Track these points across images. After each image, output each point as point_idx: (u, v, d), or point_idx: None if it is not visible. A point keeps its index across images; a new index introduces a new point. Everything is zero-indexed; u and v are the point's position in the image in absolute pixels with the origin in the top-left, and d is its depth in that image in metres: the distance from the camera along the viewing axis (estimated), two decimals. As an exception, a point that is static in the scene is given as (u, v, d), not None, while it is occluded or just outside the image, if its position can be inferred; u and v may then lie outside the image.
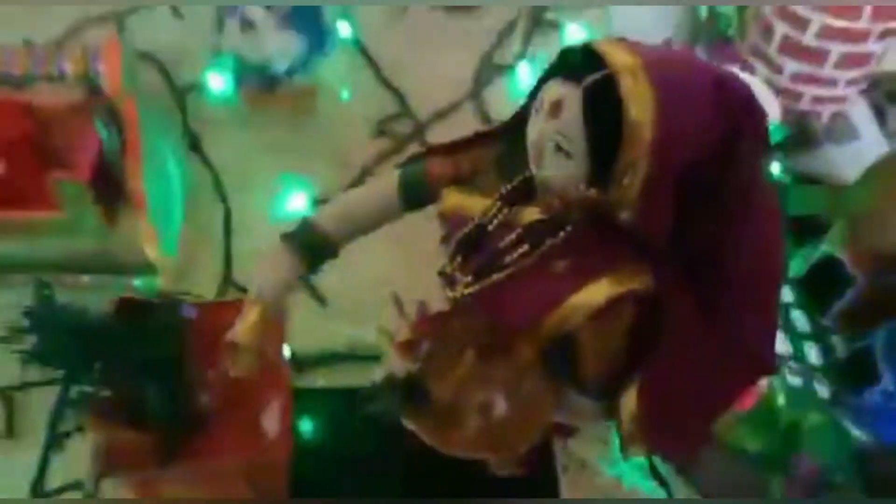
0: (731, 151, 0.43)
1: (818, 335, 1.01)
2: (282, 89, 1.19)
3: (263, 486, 0.64)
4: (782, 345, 0.99)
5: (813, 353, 0.99)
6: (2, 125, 0.92)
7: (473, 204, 0.53)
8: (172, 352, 0.57)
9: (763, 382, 0.87)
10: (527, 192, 0.51)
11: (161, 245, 0.93)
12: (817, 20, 1.11)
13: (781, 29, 1.14)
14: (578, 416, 0.55)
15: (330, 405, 0.83)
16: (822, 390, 0.96)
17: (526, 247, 0.50)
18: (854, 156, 1.16)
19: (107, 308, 0.57)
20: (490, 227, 0.52)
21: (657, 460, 0.88)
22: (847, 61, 1.15)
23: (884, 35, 1.12)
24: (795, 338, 1.00)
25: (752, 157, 0.44)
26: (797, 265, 1.06)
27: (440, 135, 1.14)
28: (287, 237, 0.58)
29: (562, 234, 0.49)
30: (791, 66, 1.17)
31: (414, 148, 1.13)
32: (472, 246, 0.52)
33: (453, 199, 0.54)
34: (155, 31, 1.26)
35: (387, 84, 1.24)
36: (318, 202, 1.07)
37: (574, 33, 1.35)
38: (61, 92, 0.87)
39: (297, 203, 1.08)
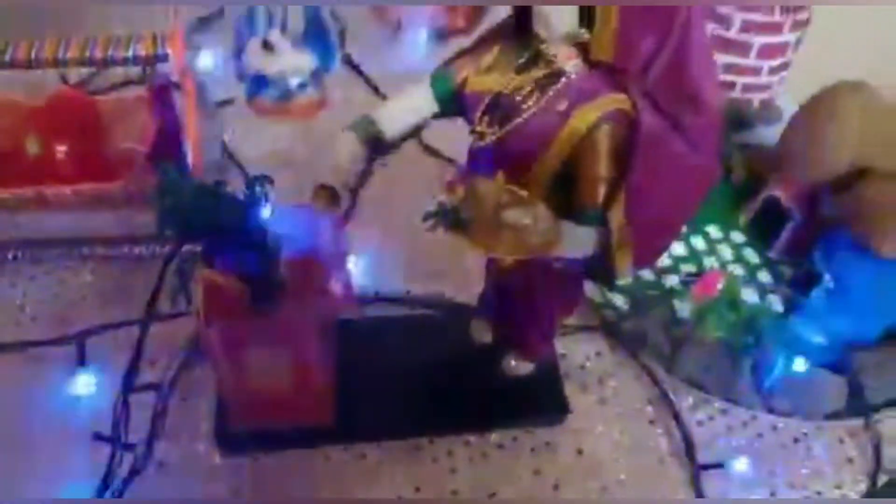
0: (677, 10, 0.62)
1: (768, 264, 1.19)
2: (294, 101, 1.38)
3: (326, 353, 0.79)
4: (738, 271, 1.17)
5: (765, 278, 1.16)
6: (68, 115, 1.09)
7: (491, 83, 0.71)
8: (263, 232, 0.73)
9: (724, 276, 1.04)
10: (535, 61, 0.69)
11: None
12: (739, 17, 1.35)
13: (710, 26, 1.38)
14: (579, 244, 0.71)
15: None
16: (776, 304, 1.13)
17: (537, 96, 0.68)
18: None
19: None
20: (506, 92, 0.70)
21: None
22: (766, 51, 1.39)
23: (795, 26, 1.37)
24: (749, 268, 1.18)
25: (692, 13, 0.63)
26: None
27: (434, 141, 1.33)
28: (351, 126, 0.76)
29: (563, 80, 0.68)
30: (722, 58, 1.41)
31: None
32: (493, 108, 0.70)
33: (475, 84, 0.73)
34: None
35: (384, 96, 1.44)
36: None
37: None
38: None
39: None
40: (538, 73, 0.69)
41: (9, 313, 1.03)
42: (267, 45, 1.34)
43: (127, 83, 1.29)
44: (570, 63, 0.67)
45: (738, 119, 1.40)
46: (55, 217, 1.03)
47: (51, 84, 1.19)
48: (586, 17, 0.63)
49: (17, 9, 1.39)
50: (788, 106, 1.48)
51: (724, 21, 1.36)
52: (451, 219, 0.66)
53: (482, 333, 1.01)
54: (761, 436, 0.98)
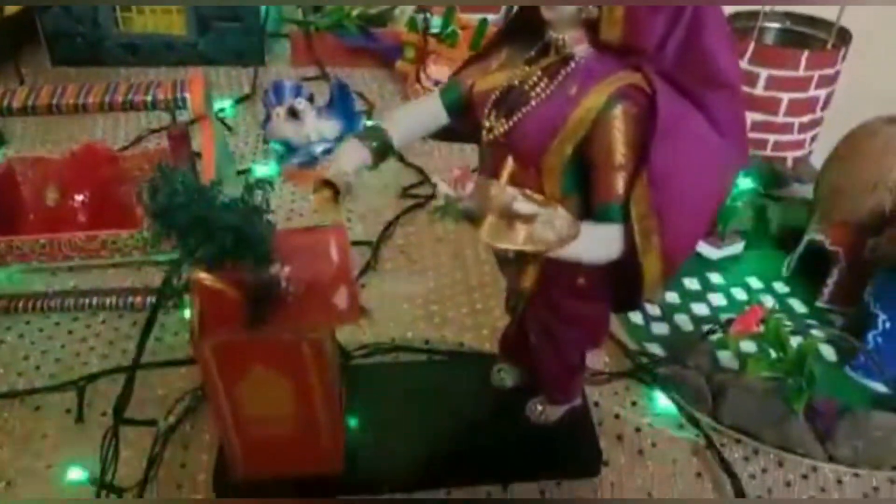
0: None
1: (816, 314, 1.10)
2: (320, 166, 1.38)
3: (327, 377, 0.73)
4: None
5: (813, 331, 1.07)
6: (89, 167, 1.10)
7: (500, 78, 0.69)
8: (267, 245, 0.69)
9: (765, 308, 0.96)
10: (544, 51, 0.66)
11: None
12: (764, 73, 1.34)
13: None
14: (600, 244, 0.65)
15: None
16: (830, 355, 1.04)
17: (545, 82, 0.64)
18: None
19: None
20: (516, 84, 0.67)
21: (686, 405, 0.93)
22: (796, 108, 1.36)
23: (822, 82, 1.35)
24: (796, 319, 1.09)
25: None
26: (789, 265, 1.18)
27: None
28: (359, 135, 0.73)
29: (573, 64, 0.64)
30: (752, 116, 1.38)
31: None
32: (502, 101, 0.67)
33: (482, 84, 0.70)
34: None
35: (406, 162, 1.44)
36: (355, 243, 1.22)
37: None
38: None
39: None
40: (546, 60, 0.66)
41: (14, 364, 0.99)
42: (293, 113, 1.37)
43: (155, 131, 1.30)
44: (580, 47, 0.65)
45: (773, 177, 1.36)
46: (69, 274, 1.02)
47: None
48: None
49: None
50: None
51: (750, 79, 1.35)
52: (459, 213, 0.62)
53: (504, 378, 0.93)
54: (824, 490, 0.86)
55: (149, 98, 0.97)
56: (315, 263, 0.75)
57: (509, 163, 0.63)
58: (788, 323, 1.01)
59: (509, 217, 0.62)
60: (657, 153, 0.60)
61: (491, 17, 1.81)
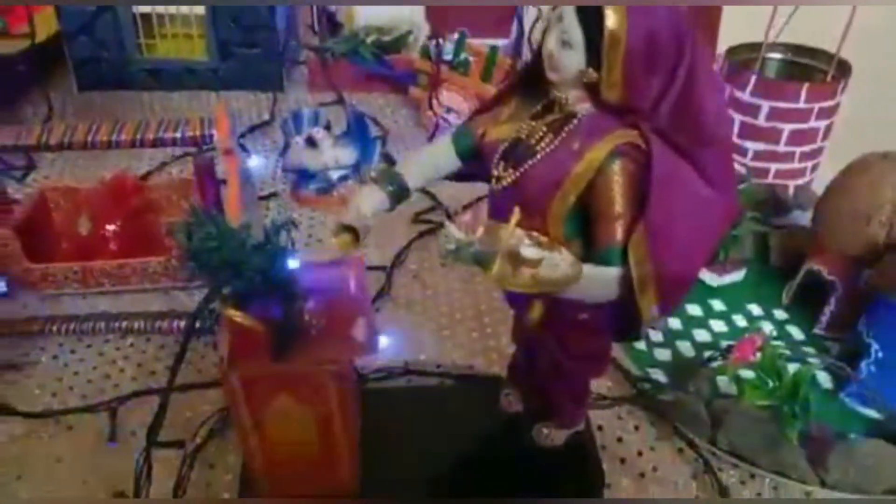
0: (682, 51, 0.65)
1: (813, 341, 1.15)
2: (336, 192, 1.44)
3: (347, 407, 0.78)
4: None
5: (810, 359, 1.11)
6: (119, 197, 1.16)
7: (508, 130, 0.74)
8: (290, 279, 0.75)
9: (763, 337, 1.00)
10: (549, 107, 0.72)
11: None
12: (766, 105, 1.38)
13: (738, 117, 1.41)
14: (601, 285, 0.70)
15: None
16: (825, 382, 1.08)
17: (550, 137, 0.70)
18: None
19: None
20: (523, 137, 0.72)
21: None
22: (797, 138, 1.41)
23: (822, 114, 1.39)
24: (794, 346, 1.14)
25: (697, 52, 0.65)
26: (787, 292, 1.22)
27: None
28: (376, 178, 0.78)
29: (574, 121, 0.70)
30: (754, 146, 1.43)
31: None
32: (509, 153, 0.72)
33: (492, 134, 0.76)
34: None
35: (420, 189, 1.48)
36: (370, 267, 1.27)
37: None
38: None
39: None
40: (552, 117, 0.71)
41: (49, 385, 1.05)
42: (311, 142, 1.42)
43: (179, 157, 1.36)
44: (582, 105, 0.70)
45: (775, 204, 1.40)
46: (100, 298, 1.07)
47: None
48: (595, 58, 0.66)
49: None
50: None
51: (752, 110, 1.39)
52: (471, 257, 0.67)
53: (512, 403, 0.98)
54: (818, 515, 0.90)
55: (178, 135, 1.03)
56: (335, 297, 0.80)
57: (516, 211, 0.68)
58: (785, 350, 1.05)
59: (516, 261, 0.68)
60: (653, 204, 0.66)
61: (501, 42, 1.87)
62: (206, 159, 1.08)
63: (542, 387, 0.91)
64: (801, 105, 1.36)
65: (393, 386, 1.05)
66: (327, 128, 1.44)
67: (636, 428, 1.01)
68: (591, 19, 0.65)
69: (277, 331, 0.74)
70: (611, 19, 0.64)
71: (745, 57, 1.48)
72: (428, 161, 0.82)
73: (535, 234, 0.70)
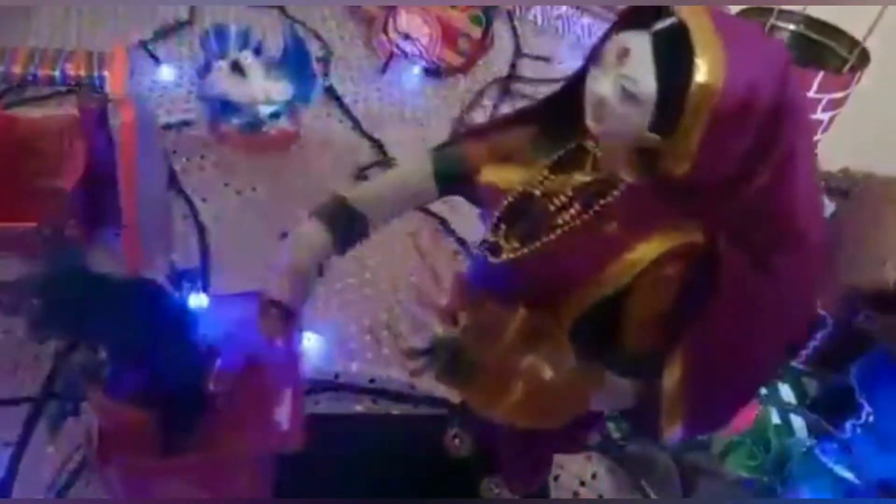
0: (784, 117, 0.46)
1: (791, 376, 1.04)
2: (265, 132, 1.20)
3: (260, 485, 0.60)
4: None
5: (784, 393, 1.00)
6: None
7: (512, 177, 0.54)
8: (189, 328, 0.55)
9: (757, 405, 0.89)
10: (574, 159, 0.53)
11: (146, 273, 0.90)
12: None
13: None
14: (614, 397, 0.54)
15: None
16: (799, 424, 0.97)
17: (577, 208, 0.51)
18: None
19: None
20: (536, 194, 0.53)
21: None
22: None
23: (829, 105, 1.23)
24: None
25: (802, 121, 0.47)
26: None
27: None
28: (319, 213, 0.57)
29: (615, 193, 0.51)
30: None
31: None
32: (517, 214, 0.53)
33: (490, 175, 0.55)
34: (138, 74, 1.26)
35: (366, 135, 1.26)
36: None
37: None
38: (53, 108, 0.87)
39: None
40: (581, 177, 0.52)
41: None
42: (237, 68, 1.16)
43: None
44: (624, 171, 0.50)
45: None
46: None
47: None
48: (663, 118, 0.47)
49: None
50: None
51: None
52: (449, 360, 0.49)
53: (459, 447, 0.83)
54: None
55: (56, 73, 0.78)
56: (255, 354, 0.61)
57: (522, 315, 0.50)
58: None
59: (510, 371, 0.50)
60: (706, 320, 0.49)
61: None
62: (96, 101, 0.83)
63: (499, 443, 0.76)
64: (812, 94, 1.19)
65: (322, 414, 0.87)
66: (258, 52, 1.18)
67: (594, 476, 0.89)
68: (672, 66, 0.45)
69: (170, 412, 0.55)
70: (702, 69, 0.44)
71: (752, 21, 1.29)
72: (395, 187, 0.60)
73: (537, 322, 0.52)
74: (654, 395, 0.53)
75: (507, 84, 1.44)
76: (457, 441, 0.83)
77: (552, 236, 0.51)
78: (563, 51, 1.56)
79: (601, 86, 0.48)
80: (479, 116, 1.37)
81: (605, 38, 0.49)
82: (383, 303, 1.02)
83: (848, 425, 0.93)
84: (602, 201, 0.51)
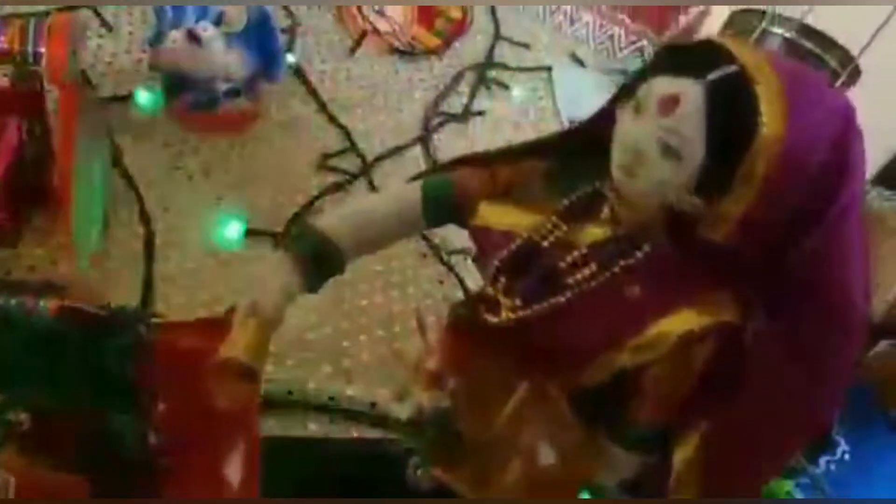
0: (841, 183, 0.41)
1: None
2: (221, 110, 1.10)
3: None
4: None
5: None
6: None
7: (516, 220, 0.47)
8: (126, 376, 0.47)
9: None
10: (590, 207, 0.46)
11: (78, 260, 0.81)
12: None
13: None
14: (615, 470, 0.49)
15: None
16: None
17: (592, 267, 0.44)
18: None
19: (47, 316, 0.46)
20: (544, 245, 0.46)
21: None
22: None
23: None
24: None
25: (855, 191, 0.42)
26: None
27: (387, 175, 1.08)
28: (290, 246, 0.49)
29: (638, 254, 0.44)
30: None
31: (360, 186, 1.06)
32: (520, 266, 0.46)
33: (489, 213, 0.48)
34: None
35: (333, 119, 1.17)
36: (253, 232, 0.98)
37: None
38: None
39: (231, 231, 0.99)
40: (597, 230, 0.45)
41: None
42: (194, 38, 1.06)
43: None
44: (653, 231, 0.44)
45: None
46: None
47: None
48: (712, 180, 0.41)
49: None
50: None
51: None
52: (437, 434, 0.43)
53: (422, 479, 0.77)
54: None
55: (-18, 45, 0.67)
56: (203, 400, 0.53)
57: (524, 389, 0.43)
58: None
59: (507, 449, 0.44)
60: (723, 417, 0.43)
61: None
62: (31, 81, 0.73)
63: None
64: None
65: (277, 437, 0.80)
66: (217, 23, 1.07)
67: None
68: (729, 123, 0.38)
69: (104, 469, 0.47)
70: (768, 127, 0.38)
71: (743, 25, 1.24)
72: (376, 218, 0.52)
73: (539, 390, 0.46)
74: (657, 469, 0.48)
75: (483, 71, 1.37)
76: (418, 473, 0.77)
77: (562, 298, 0.44)
78: (543, 36, 1.50)
79: (637, 135, 0.41)
80: (455, 103, 1.29)
81: (641, 78, 0.43)
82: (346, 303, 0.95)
83: (822, 460, 0.91)
84: (623, 262, 0.44)
